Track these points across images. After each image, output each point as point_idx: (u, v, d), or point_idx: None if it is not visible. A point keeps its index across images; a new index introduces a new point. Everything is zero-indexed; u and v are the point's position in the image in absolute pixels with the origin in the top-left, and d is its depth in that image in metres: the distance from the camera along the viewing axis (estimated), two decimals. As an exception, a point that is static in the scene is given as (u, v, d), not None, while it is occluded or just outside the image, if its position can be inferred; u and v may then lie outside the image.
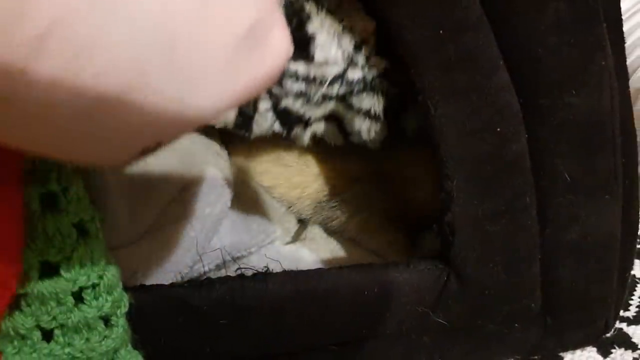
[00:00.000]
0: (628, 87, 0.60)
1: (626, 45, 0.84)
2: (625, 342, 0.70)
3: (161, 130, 0.38)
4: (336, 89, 0.62)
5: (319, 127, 0.65)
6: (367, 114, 0.63)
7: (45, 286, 0.50)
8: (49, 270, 0.51)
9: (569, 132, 0.57)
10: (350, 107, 0.63)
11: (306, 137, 0.66)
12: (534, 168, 0.58)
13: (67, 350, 0.51)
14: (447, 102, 0.56)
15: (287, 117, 0.64)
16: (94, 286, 0.52)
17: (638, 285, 0.78)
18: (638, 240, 0.82)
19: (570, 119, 0.57)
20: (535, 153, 0.58)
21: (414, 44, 0.55)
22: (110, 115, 0.34)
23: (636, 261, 0.81)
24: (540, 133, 0.57)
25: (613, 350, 0.68)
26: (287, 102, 0.62)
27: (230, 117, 0.63)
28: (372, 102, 0.63)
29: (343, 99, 0.63)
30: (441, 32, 0.54)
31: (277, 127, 0.64)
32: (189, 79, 0.36)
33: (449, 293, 0.59)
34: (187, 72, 0.36)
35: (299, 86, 0.61)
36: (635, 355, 0.68)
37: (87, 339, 0.52)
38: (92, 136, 0.35)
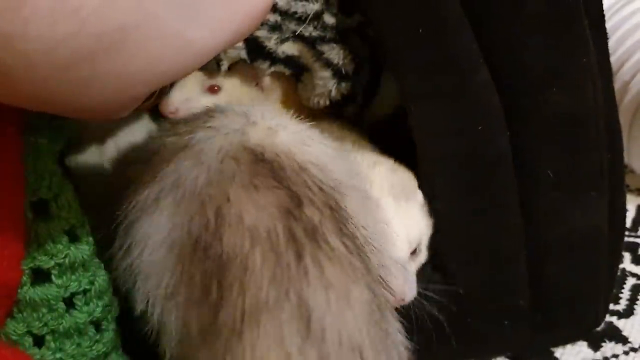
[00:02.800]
0: (612, 83, 0.60)
1: (613, 40, 0.84)
2: (616, 336, 0.70)
3: (163, 70, 0.37)
4: (310, 31, 0.62)
5: (279, 68, 0.65)
6: (332, 66, 0.63)
7: (37, 292, 0.51)
8: (41, 277, 0.51)
9: (552, 130, 0.58)
10: (317, 54, 0.63)
11: (267, 72, 0.66)
12: (518, 166, 0.58)
13: (58, 355, 0.51)
14: (427, 103, 0.57)
15: (254, 48, 0.63)
16: (85, 292, 0.52)
17: (628, 278, 0.78)
18: (626, 233, 0.83)
19: (553, 116, 0.57)
20: (519, 151, 0.58)
21: (395, 47, 0.56)
22: (113, 55, 0.33)
23: (625, 254, 0.81)
24: (523, 131, 0.58)
25: (603, 344, 0.68)
26: (260, 33, 0.62)
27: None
28: (339, 56, 0.62)
29: (313, 44, 0.63)
30: (421, 34, 0.54)
31: (242, 54, 0.63)
32: (191, 10, 0.36)
33: (436, 291, 0.59)
34: (188, 3, 0.35)
35: (275, 18, 0.62)
36: (626, 348, 0.68)
37: (78, 344, 0.52)
38: (95, 82, 0.34)
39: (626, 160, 0.90)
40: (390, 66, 0.58)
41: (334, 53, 0.62)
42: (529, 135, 0.58)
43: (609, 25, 0.84)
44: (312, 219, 0.46)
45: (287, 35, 0.63)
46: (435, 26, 0.54)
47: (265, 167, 0.47)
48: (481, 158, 0.58)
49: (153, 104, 0.51)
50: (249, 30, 0.40)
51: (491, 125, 0.57)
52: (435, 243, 0.59)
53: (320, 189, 0.48)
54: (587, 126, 0.58)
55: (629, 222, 0.87)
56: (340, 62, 0.62)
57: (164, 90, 0.50)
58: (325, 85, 0.63)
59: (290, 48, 0.64)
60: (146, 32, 0.34)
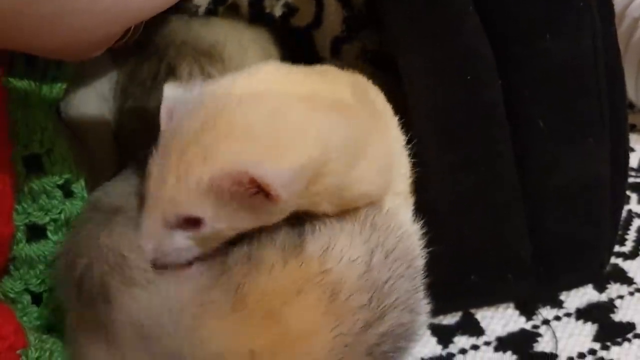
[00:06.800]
0: (613, 25, 0.58)
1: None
2: (621, 277, 0.69)
3: (131, 7, 0.36)
4: None
5: None
6: None
7: (33, 249, 0.51)
8: (36, 233, 0.52)
9: (545, 79, 0.56)
10: None
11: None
12: (511, 116, 0.57)
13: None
14: (414, 51, 0.55)
15: None
16: (78, 248, 0.52)
17: (634, 219, 0.77)
18: (632, 173, 0.82)
19: (546, 65, 0.55)
20: (511, 101, 0.56)
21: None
22: None
23: (632, 195, 0.80)
24: (515, 81, 0.56)
25: (608, 286, 0.68)
26: None
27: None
28: None
29: None
30: None
31: None
32: None
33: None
34: None
35: None
36: (631, 289, 0.68)
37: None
38: (61, 19, 0.34)
39: (634, 99, 0.89)
40: (379, 13, 0.56)
41: None
42: (522, 85, 0.56)
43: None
44: None
45: None
46: None
47: None
48: (471, 108, 0.56)
49: (127, 41, 0.49)
50: None
51: (481, 74, 0.55)
52: (425, 195, 0.57)
53: None
54: (583, 73, 0.56)
55: (635, 162, 0.85)
56: None
57: (137, 29, 0.49)
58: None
59: None
60: None
